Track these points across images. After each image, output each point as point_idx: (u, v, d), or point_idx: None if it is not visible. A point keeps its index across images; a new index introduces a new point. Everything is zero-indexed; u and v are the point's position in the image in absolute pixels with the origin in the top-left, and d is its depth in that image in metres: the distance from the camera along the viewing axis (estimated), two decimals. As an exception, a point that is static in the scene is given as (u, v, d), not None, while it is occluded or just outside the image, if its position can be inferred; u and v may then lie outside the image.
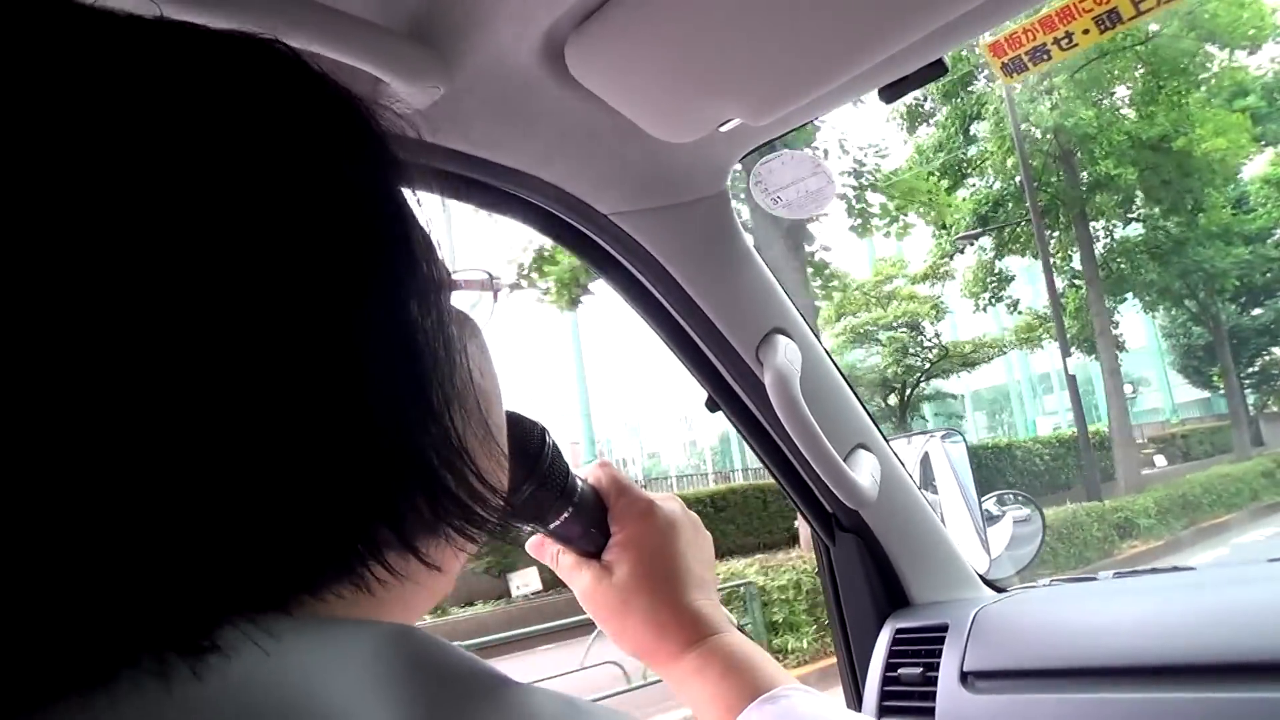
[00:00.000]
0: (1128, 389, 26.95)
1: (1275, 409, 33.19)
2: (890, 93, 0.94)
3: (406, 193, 0.39)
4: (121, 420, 0.28)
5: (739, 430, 1.30)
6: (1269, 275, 28.81)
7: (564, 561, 0.72)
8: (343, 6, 0.70)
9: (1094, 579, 1.43)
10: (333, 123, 0.37)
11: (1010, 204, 19.87)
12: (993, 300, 21.72)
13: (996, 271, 21.58)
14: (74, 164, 0.29)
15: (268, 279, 0.32)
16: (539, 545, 0.73)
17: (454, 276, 0.44)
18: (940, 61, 0.90)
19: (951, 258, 21.09)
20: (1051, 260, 18.60)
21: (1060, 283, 20.17)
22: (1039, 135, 18.66)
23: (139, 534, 0.28)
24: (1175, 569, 1.32)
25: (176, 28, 0.35)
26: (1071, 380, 15.57)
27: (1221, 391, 31.87)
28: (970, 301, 21.97)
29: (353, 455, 0.33)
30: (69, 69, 0.30)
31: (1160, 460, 22.31)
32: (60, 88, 0.30)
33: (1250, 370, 30.87)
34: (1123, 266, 21.15)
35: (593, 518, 0.70)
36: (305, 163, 0.34)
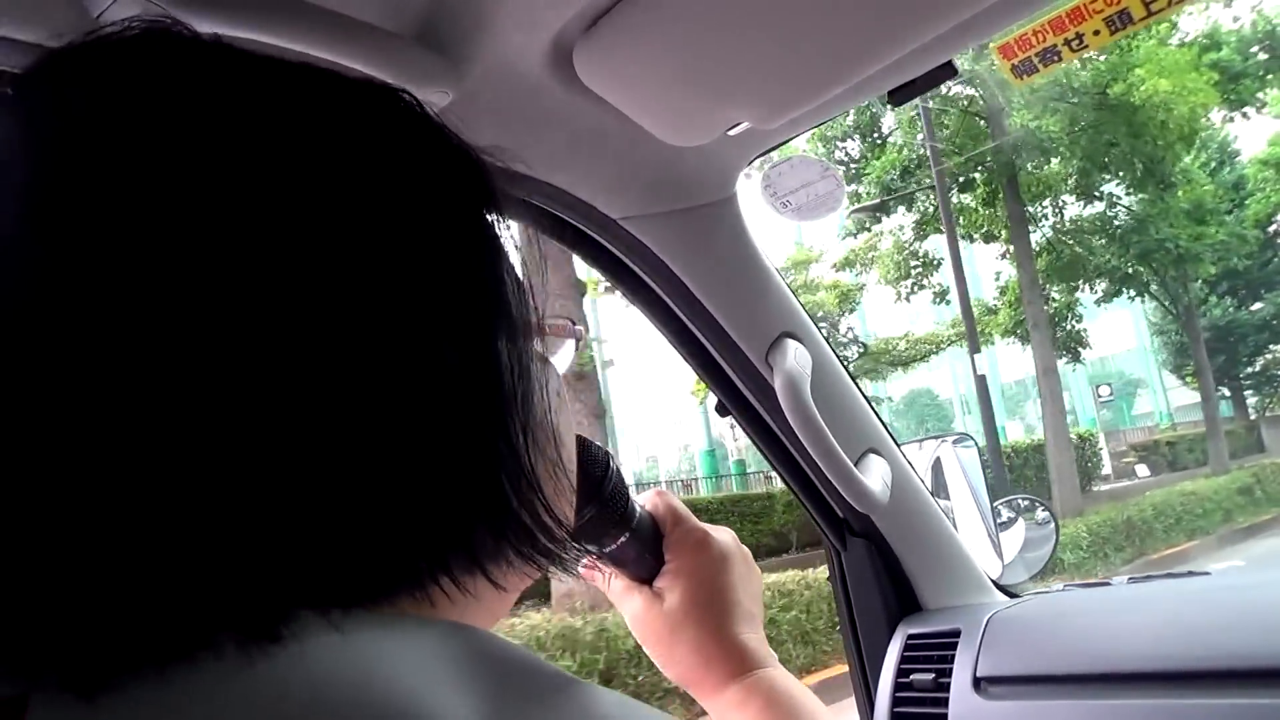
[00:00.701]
0: (1103, 391, 26.05)
1: (1279, 412, 30.95)
2: (899, 95, 0.93)
3: (510, 240, 0.42)
4: (238, 429, 0.31)
5: (749, 435, 1.30)
6: (1269, 266, 26.98)
7: (616, 585, 0.74)
8: (351, 12, 0.70)
9: (1108, 584, 1.42)
10: (448, 170, 0.40)
11: (922, 170, 16.27)
12: (915, 288, 18.26)
13: (922, 255, 18.13)
14: (220, 198, 0.33)
15: (377, 308, 0.35)
16: (591, 568, 0.74)
17: (542, 322, 0.47)
18: (950, 64, 0.90)
19: (855, 236, 18.35)
20: (995, 241, 16.75)
21: (1010, 269, 17.89)
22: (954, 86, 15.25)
23: (229, 527, 0.31)
24: (1190, 574, 1.31)
25: (312, 72, 0.39)
26: (981, 381, 13.52)
27: (1224, 395, 29.84)
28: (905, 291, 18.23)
29: (435, 477, 0.36)
30: (207, 108, 0.34)
31: (1143, 470, 20.14)
32: (199, 127, 0.33)
33: (1250, 370, 29.05)
34: (1077, 249, 17.80)
35: (648, 544, 0.72)
36: (418, 205, 0.38)
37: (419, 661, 0.32)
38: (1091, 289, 19.03)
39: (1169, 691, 1.01)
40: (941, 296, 18.47)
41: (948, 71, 0.91)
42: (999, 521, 1.63)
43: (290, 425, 0.32)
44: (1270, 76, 18.56)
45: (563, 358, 0.55)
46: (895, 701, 1.27)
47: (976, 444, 1.74)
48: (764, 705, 0.67)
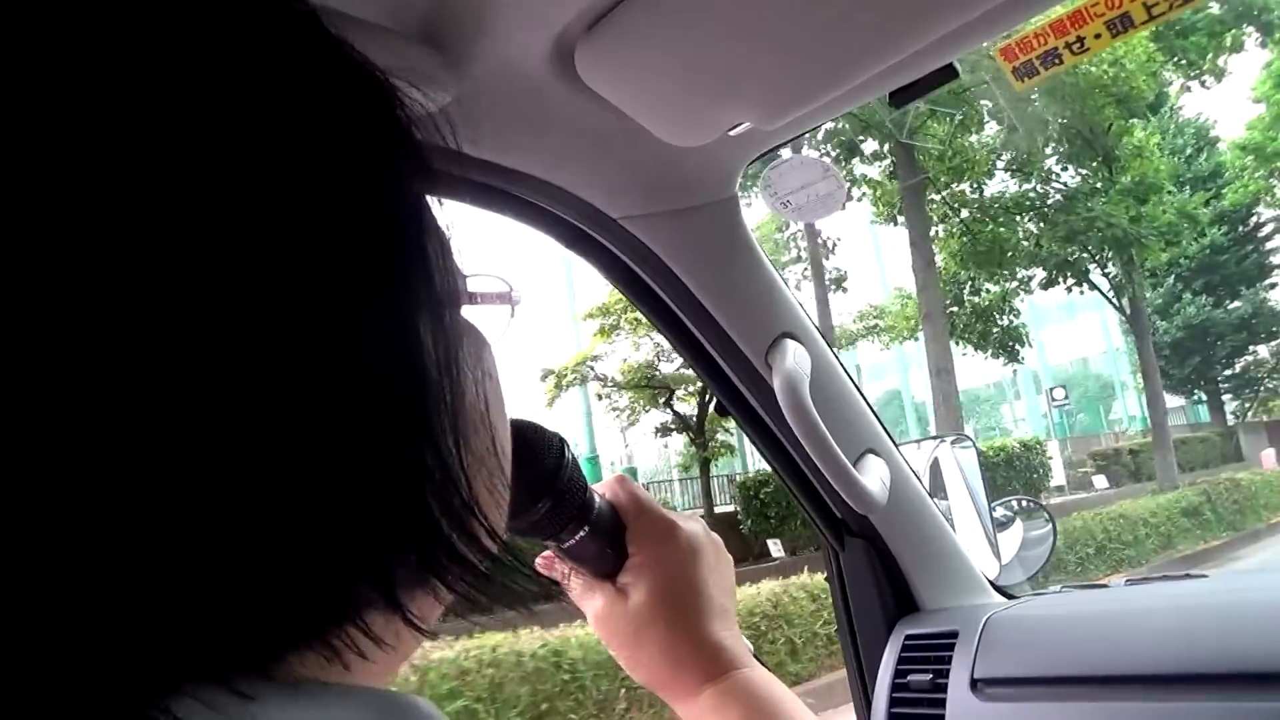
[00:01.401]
0: (1057, 394, 23.90)
1: (1260, 418, 27.22)
2: (900, 97, 0.93)
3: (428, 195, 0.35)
4: (72, 445, 0.24)
5: (748, 434, 1.30)
6: (1247, 260, 25.17)
7: (576, 582, 0.67)
8: (353, 10, 0.70)
9: (1105, 586, 1.42)
10: (356, 109, 0.32)
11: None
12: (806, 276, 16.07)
13: (795, 239, 16.38)
14: (54, 145, 0.25)
15: (253, 285, 0.27)
16: (548, 563, 0.67)
17: (470, 287, 0.40)
18: (951, 66, 0.90)
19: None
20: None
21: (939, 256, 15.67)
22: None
23: (69, 587, 0.24)
24: (1188, 575, 1.32)
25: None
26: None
27: (1200, 399, 28.23)
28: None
29: (339, 497, 0.28)
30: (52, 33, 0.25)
31: (1100, 481, 17.29)
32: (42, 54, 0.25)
33: (1228, 372, 26.81)
34: (1000, 230, 15.57)
35: (609, 537, 0.65)
36: (319, 152, 0.30)
37: None
38: (1013, 276, 16.65)
39: (1167, 694, 1.01)
40: (839, 284, 16.36)
41: (949, 73, 0.91)
42: (996, 522, 1.63)
43: (143, 437, 0.24)
44: (1227, 37, 15.54)
45: (495, 327, 0.46)
46: (893, 702, 1.27)
47: (975, 444, 1.74)
48: (743, 712, 0.61)
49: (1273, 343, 26.47)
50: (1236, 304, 25.70)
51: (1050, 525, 1.77)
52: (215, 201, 0.26)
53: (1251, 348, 26.38)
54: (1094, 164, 15.36)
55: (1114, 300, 17.90)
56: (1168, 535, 11.94)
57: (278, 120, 0.29)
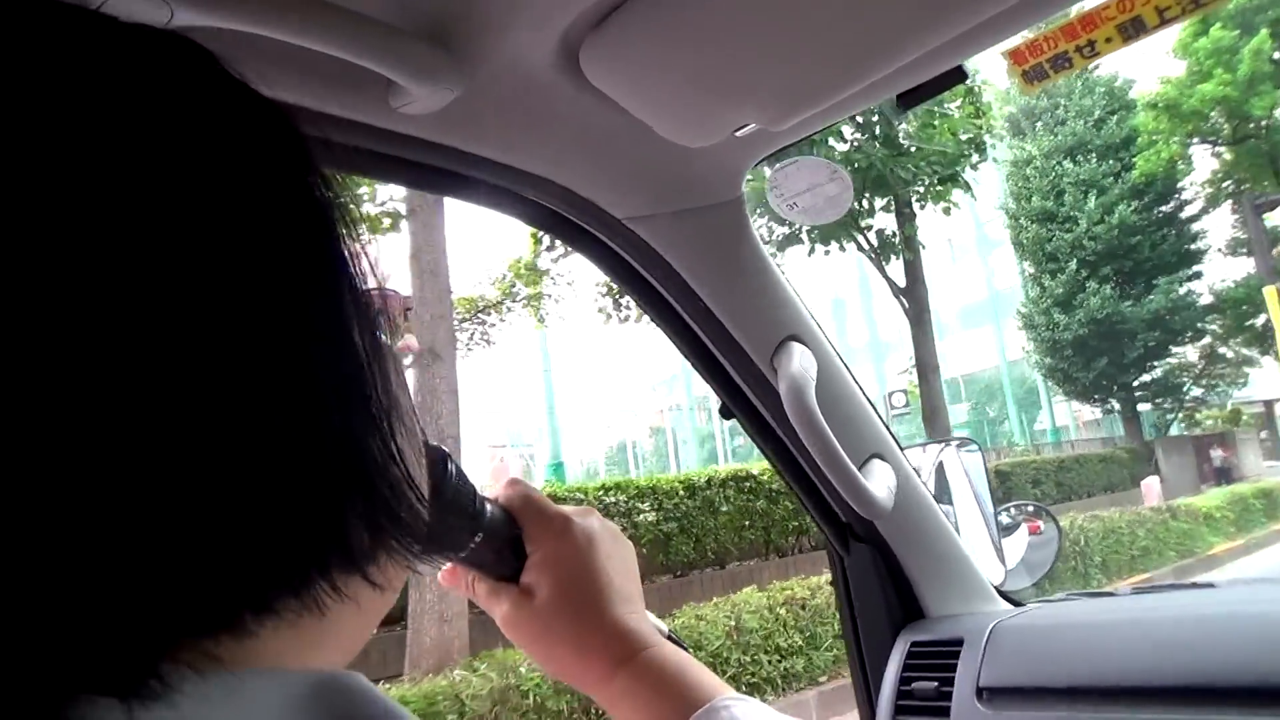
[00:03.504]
0: (897, 400, 20.28)
1: (1181, 431, 23.49)
2: (909, 99, 0.92)
3: (329, 197, 0.37)
4: (44, 438, 0.26)
5: (752, 438, 1.29)
6: (1163, 245, 20.27)
7: (480, 589, 0.68)
8: (358, 8, 0.69)
9: (1112, 594, 1.41)
10: (256, 128, 0.35)
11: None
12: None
13: None
14: None
15: (204, 285, 0.30)
16: (451, 574, 0.69)
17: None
18: (960, 69, 0.89)
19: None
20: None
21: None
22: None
23: (46, 563, 0.26)
24: (1195, 585, 1.30)
25: (92, 17, 0.32)
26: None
27: (1113, 408, 23.23)
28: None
29: (298, 466, 0.32)
30: None
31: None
32: None
33: (1142, 379, 22.22)
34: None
35: (505, 541, 0.66)
36: (229, 165, 0.33)
37: None
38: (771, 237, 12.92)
39: (1174, 707, 1.00)
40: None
41: (958, 75, 0.90)
42: (1001, 527, 1.62)
43: (116, 429, 0.27)
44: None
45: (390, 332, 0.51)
46: (897, 710, 1.26)
47: (981, 448, 1.73)
48: (653, 688, 0.63)
49: (1201, 341, 22.25)
50: (1151, 296, 21.16)
51: (1055, 530, 1.76)
52: (137, 216, 0.29)
53: (1173, 349, 22.01)
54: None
55: (881, 266, 13.47)
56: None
57: (184, 145, 0.31)
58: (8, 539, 0.25)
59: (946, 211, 13.01)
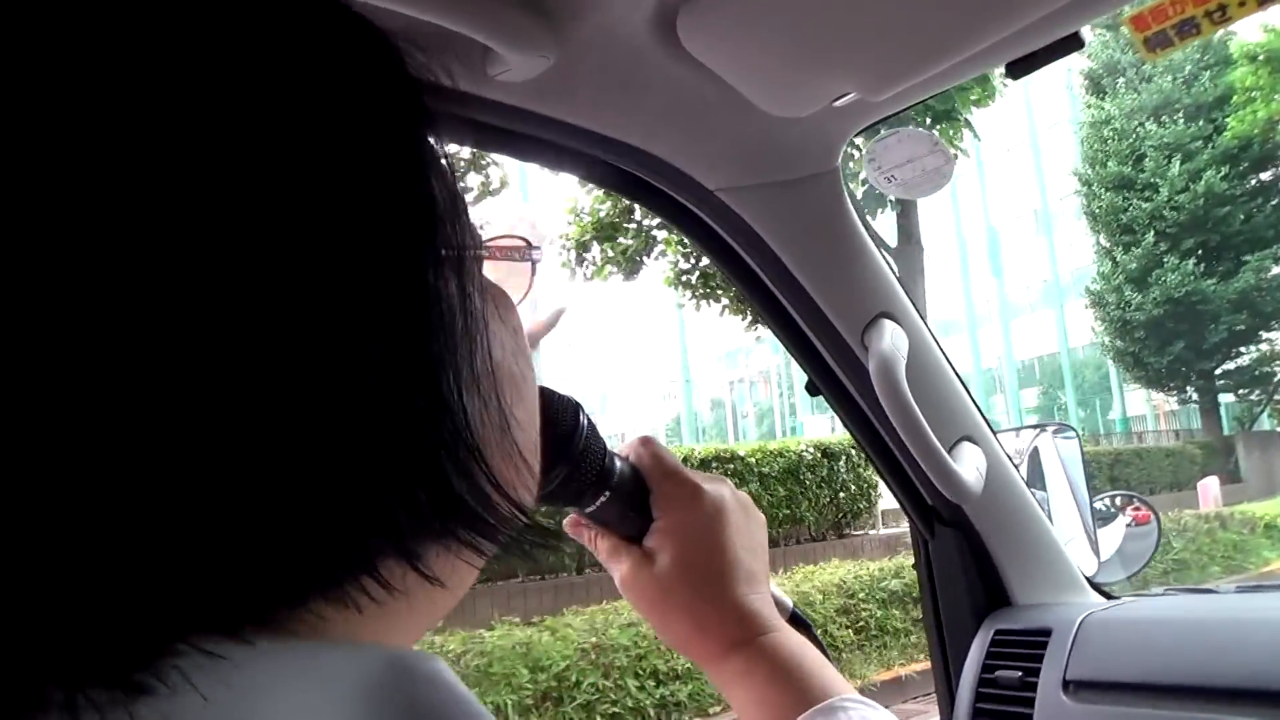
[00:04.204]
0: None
1: (1275, 427, 20.13)
2: (1019, 68, 0.88)
3: (436, 147, 0.35)
4: (86, 416, 0.24)
5: (839, 415, 1.27)
6: (1254, 217, 17.72)
7: (603, 545, 0.67)
8: None
9: (1214, 591, 1.35)
10: (352, 59, 0.32)
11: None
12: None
13: None
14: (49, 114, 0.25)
15: (254, 242, 0.27)
16: (574, 525, 0.67)
17: (488, 243, 0.40)
18: (1076, 35, 0.85)
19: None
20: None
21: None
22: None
23: (82, 536, 0.24)
24: (1308, 587, 1.23)
25: None
26: None
27: (1191, 398, 20.62)
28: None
29: (347, 451, 0.29)
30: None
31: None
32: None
33: (1226, 367, 19.73)
34: None
35: (633, 501, 0.65)
36: (316, 103, 0.30)
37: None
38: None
39: (1273, 713, 0.95)
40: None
41: (1074, 43, 0.86)
42: (1097, 516, 1.56)
43: (158, 393, 0.25)
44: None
45: (515, 286, 0.46)
46: (979, 697, 1.24)
47: (1078, 435, 1.67)
48: (770, 675, 0.61)
49: None
50: (1240, 274, 18.42)
51: (1155, 522, 1.69)
52: (225, 163, 0.27)
53: (1263, 334, 18.98)
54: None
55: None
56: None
57: (272, 75, 0.29)
58: (83, 508, 0.24)
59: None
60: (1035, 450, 1.61)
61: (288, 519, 0.27)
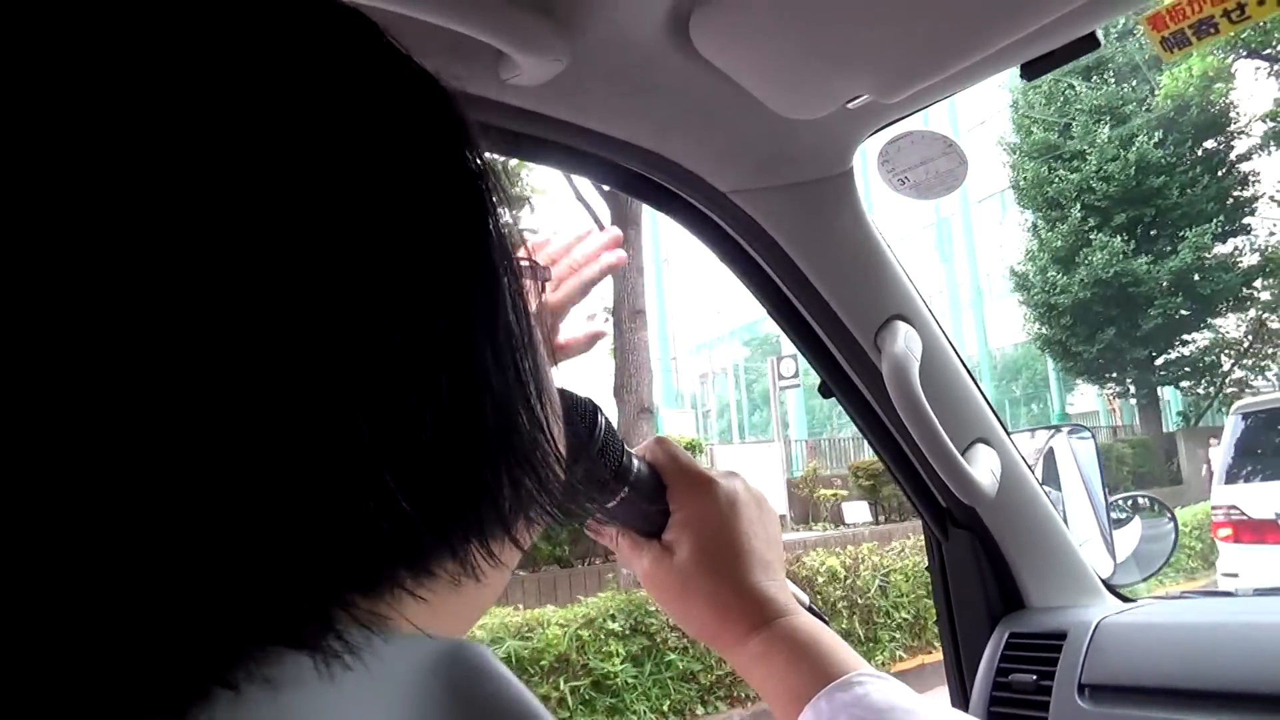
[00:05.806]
0: (786, 369, 14.34)
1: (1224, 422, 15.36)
2: (1034, 69, 0.88)
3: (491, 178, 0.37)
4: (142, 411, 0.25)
5: (853, 417, 1.26)
6: (1194, 187, 15.53)
7: (623, 543, 0.70)
8: None
9: (1231, 594, 1.34)
10: (424, 109, 0.34)
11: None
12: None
13: None
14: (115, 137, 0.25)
15: (367, 259, 0.29)
16: (595, 526, 0.71)
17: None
18: (1093, 35, 0.84)
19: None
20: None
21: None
22: None
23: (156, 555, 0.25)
24: (1327, 591, 1.22)
25: None
26: None
27: (1128, 391, 18.33)
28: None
29: (457, 434, 0.31)
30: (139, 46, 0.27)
31: (857, 511, 11.27)
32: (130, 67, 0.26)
33: (1168, 356, 17.36)
34: None
35: (650, 497, 0.68)
36: (394, 148, 0.32)
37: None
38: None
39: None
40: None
41: (1090, 43, 0.85)
42: (1113, 518, 1.55)
43: (254, 389, 0.26)
44: None
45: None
46: (992, 700, 1.23)
47: (1094, 436, 1.66)
48: (788, 656, 0.63)
49: (1245, 311, 17.01)
50: (1175, 253, 15.94)
51: (1172, 524, 1.68)
52: (299, 200, 0.28)
53: (1209, 320, 16.81)
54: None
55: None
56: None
57: (352, 126, 0.31)
58: (194, 489, 0.25)
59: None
60: (1050, 451, 1.60)
61: (417, 496, 0.29)
